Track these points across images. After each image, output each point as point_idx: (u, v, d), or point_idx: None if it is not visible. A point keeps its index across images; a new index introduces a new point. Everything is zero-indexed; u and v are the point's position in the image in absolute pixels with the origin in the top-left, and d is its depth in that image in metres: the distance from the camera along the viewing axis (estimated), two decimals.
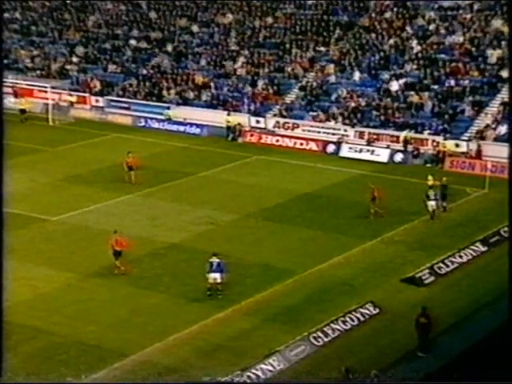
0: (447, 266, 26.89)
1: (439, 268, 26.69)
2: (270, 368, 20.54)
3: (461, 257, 27.54)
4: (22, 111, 47.19)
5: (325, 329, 22.35)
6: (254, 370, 20.28)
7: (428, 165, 39.77)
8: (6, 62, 55.16)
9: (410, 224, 31.09)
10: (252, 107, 46.08)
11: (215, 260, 24.60)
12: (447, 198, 32.22)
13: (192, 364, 20.82)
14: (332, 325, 22.58)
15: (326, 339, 22.07)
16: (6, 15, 59.82)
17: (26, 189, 35.21)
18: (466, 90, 42.63)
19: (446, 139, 40.36)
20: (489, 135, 40.01)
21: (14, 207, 32.46)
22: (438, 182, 32.34)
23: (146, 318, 23.43)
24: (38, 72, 53.48)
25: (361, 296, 24.60)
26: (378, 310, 23.73)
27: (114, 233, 26.72)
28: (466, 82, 42.97)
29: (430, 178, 32.65)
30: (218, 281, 24.48)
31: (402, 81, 44.36)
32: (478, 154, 39.14)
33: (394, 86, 44.26)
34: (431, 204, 31.08)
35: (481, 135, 40.20)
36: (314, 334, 22.02)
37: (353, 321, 23.07)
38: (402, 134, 41.00)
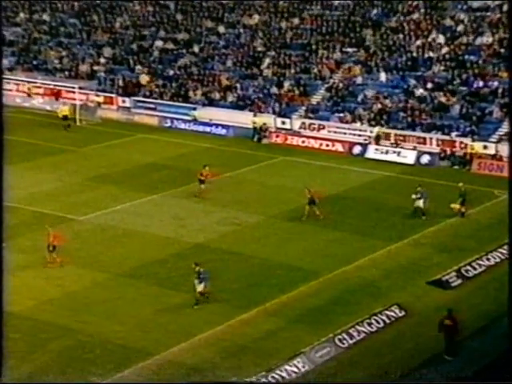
0: (474, 269, 26.64)
1: (466, 271, 26.44)
2: (295, 369, 20.50)
3: (488, 260, 27.24)
4: (65, 118, 46.10)
5: (350, 331, 22.23)
6: (278, 371, 20.25)
7: (455, 167, 39.45)
8: (35, 62, 55.83)
9: (437, 226, 30.87)
10: (278, 108, 46.09)
11: (198, 269, 24.14)
12: (466, 203, 31.83)
13: (217, 364, 20.84)
14: (357, 327, 22.46)
15: (351, 341, 21.96)
16: (36, 17, 60.54)
17: (53, 189, 35.53)
18: (494, 91, 42.19)
19: (473, 141, 40.01)
20: None
21: (42, 207, 32.90)
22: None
23: (172, 317, 23.50)
24: (66, 73, 53.97)
25: (386, 298, 24.43)
26: (403, 313, 23.56)
27: (49, 227, 26.98)
28: (495, 83, 42.54)
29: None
30: (201, 290, 24.03)
31: (429, 83, 44.03)
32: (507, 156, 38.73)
33: (421, 87, 43.98)
34: (417, 202, 31.10)
35: (509, 137, 39.75)
36: (339, 336, 21.91)
37: (378, 323, 22.91)
38: (375, 130, 41.41)
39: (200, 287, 24.02)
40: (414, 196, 31.57)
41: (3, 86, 49.88)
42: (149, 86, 50.53)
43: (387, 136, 42.23)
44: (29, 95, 51.46)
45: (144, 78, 51.14)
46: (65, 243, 27.09)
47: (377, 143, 41.38)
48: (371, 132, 42.58)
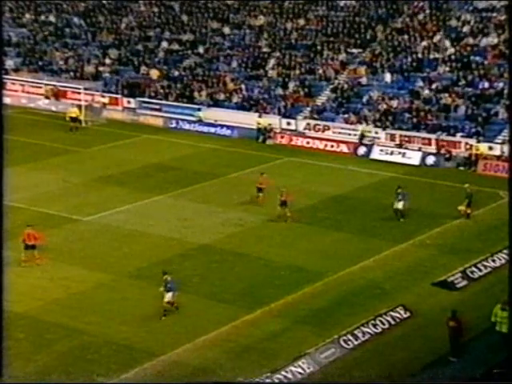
0: (480, 270, 26.56)
1: (472, 272, 26.37)
2: (300, 370, 20.48)
3: (494, 261, 27.14)
4: (73, 119, 45.86)
5: (355, 332, 22.20)
6: (283, 372, 20.23)
7: (461, 168, 39.37)
8: (40, 63, 55.92)
9: (442, 227, 30.79)
10: (283, 109, 46.08)
11: (166, 278, 23.50)
12: (471, 205, 31.73)
13: (222, 365, 20.83)
14: (362, 328, 22.42)
15: (356, 342, 21.92)
16: (41, 18, 60.65)
17: (58, 189, 35.57)
18: (500, 92, 42.08)
19: (479, 142, 39.93)
20: None
21: (47, 207, 32.93)
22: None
23: (176, 318, 23.46)
24: (72, 74, 54.05)
25: (392, 299, 24.39)
26: (408, 314, 23.49)
27: (27, 226, 26.94)
28: (500, 84, 42.44)
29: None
30: (169, 300, 23.36)
31: (434, 84, 43.95)
32: None
33: (427, 89, 43.90)
34: (400, 204, 30.86)
35: (509, 137, 39.60)
36: (344, 337, 21.88)
37: (383, 324, 22.87)
38: (359, 128, 41.89)
39: (167, 297, 23.27)
40: (397, 201, 30.96)
41: (8, 87, 49.82)
42: (160, 80, 50.55)
43: (392, 137, 42.19)
44: (47, 97, 50.96)
45: (155, 73, 51.20)
46: (43, 243, 27.11)
47: (361, 142, 41.80)
48: (376, 133, 42.55)
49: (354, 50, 48.43)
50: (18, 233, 26.67)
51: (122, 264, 27.29)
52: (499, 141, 40.13)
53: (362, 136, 42.20)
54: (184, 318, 23.53)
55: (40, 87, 52.24)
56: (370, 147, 41.67)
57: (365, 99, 45.20)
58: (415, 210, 32.36)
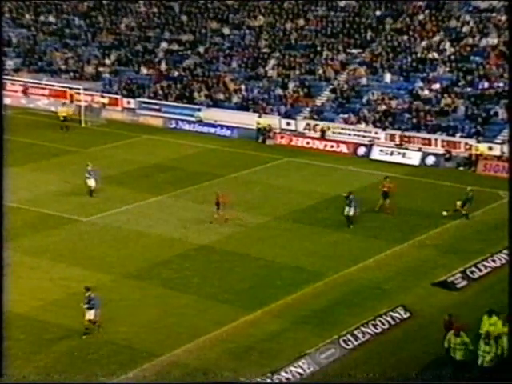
0: (480, 271, 26.50)
1: (472, 272, 26.31)
2: (300, 371, 20.40)
3: (494, 261, 27.07)
4: (64, 119, 46.05)
5: (355, 332, 22.14)
6: (283, 373, 20.17)
7: (460, 168, 39.37)
8: (40, 64, 55.92)
9: (442, 227, 30.76)
10: (283, 109, 46.08)
11: (89, 295, 22.45)
12: (468, 204, 31.57)
13: (222, 366, 20.77)
14: (362, 328, 22.36)
15: (356, 343, 21.87)
16: (41, 18, 60.65)
17: (58, 190, 35.54)
18: (499, 92, 42.06)
19: (478, 142, 39.93)
20: None
21: (47, 208, 32.91)
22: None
23: (176, 319, 23.43)
24: (72, 74, 54.03)
25: (391, 300, 24.34)
26: (408, 314, 23.45)
27: None
28: (500, 84, 42.42)
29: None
30: (91, 318, 22.27)
31: (434, 84, 43.93)
32: None
33: (426, 89, 43.90)
34: (347, 209, 30.23)
35: (509, 137, 39.62)
36: (344, 338, 21.83)
37: (383, 324, 22.81)
38: (320, 124, 43.08)
39: (90, 314, 22.19)
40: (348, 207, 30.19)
41: (8, 88, 49.71)
42: (168, 73, 50.45)
43: (392, 137, 42.18)
44: (71, 101, 50.72)
45: (164, 66, 51.14)
46: None
47: (322, 137, 42.36)
48: (376, 133, 42.55)
49: (354, 51, 48.42)
50: (18, 233, 26.64)
51: (121, 264, 27.25)
52: (499, 141, 40.15)
53: (323, 132, 43.02)
54: (184, 318, 23.49)
55: (43, 88, 52.20)
56: (369, 147, 41.66)
57: (365, 99, 45.20)
58: (415, 210, 32.34)
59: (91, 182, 33.91)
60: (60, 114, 46.54)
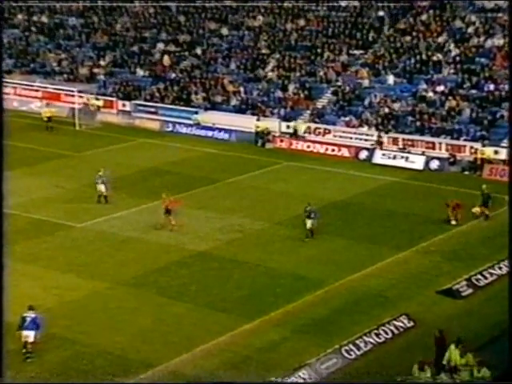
0: (486, 278, 26.17)
1: (477, 280, 25.99)
2: (300, 381, 20.05)
3: (500, 268, 26.69)
4: (49, 119, 46.18)
5: (357, 341, 21.81)
6: None
7: (466, 172, 38.91)
8: (33, 65, 55.28)
9: (447, 234, 30.38)
10: (282, 112, 45.51)
11: (30, 315, 21.00)
12: (489, 205, 31.34)
13: (219, 376, 20.35)
14: (365, 337, 22.04)
15: (358, 352, 21.52)
16: (34, 18, 60.00)
17: (51, 195, 35.09)
18: (506, 95, 41.41)
19: (484, 146, 39.37)
20: None
21: (40, 213, 32.34)
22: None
23: (173, 328, 23.06)
24: (65, 76, 53.39)
25: (395, 308, 24.01)
26: (412, 323, 23.10)
27: None
28: (506, 86, 41.79)
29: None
30: (30, 340, 20.80)
31: (438, 86, 43.34)
32: None
33: (430, 91, 43.33)
34: (309, 222, 29.25)
35: (509, 137, 39.02)
36: (346, 347, 21.48)
37: (386, 334, 22.50)
38: (291, 124, 43.63)
39: (30, 337, 20.77)
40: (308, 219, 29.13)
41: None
42: (173, 67, 50.25)
43: (395, 141, 41.56)
44: (86, 105, 49.83)
45: (166, 60, 50.79)
46: None
47: (296, 137, 42.72)
48: (379, 137, 41.93)
49: (356, 52, 47.88)
50: (10, 240, 25.92)
51: (117, 272, 26.82)
52: (505, 145, 39.50)
53: (296, 131, 43.45)
54: (181, 327, 23.09)
55: (36, 90, 51.64)
56: (372, 151, 41.05)
57: (367, 102, 44.61)
58: (419, 215, 31.95)
59: (101, 188, 33.23)
60: (44, 114, 46.48)
